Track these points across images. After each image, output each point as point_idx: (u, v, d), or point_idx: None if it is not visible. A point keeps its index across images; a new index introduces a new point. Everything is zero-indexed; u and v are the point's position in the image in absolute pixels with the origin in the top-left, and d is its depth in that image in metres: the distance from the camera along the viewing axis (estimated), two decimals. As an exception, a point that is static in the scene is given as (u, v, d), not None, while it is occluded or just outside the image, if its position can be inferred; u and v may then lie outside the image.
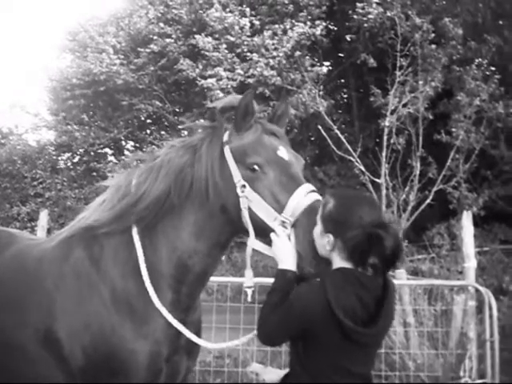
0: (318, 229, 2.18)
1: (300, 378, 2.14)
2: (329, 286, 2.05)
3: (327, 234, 2.14)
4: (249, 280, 2.41)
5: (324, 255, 2.20)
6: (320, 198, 2.28)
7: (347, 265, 2.14)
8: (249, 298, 2.41)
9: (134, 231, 2.47)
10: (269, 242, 2.28)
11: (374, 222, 2.11)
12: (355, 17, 12.85)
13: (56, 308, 2.41)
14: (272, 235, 2.24)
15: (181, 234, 2.43)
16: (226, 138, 2.43)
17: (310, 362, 2.10)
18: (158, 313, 2.38)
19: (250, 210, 2.29)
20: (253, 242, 2.32)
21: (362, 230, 2.07)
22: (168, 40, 15.26)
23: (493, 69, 12.55)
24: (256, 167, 2.32)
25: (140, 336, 2.33)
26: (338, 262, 2.16)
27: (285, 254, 2.20)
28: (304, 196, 2.23)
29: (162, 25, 15.71)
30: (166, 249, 2.44)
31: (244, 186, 2.30)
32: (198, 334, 2.59)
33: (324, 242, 2.15)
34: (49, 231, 7.32)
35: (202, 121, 2.76)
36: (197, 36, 14.23)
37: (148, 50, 15.67)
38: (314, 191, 2.28)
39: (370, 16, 12.54)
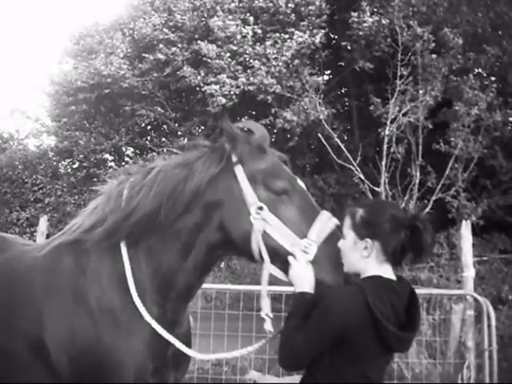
0: (350, 240, 2.20)
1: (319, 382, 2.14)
2: (367, 291, 2.06)
3: (364, 240, 2.16)
4: (266, 308, 2.33)
5: (353, 269, 2.21)
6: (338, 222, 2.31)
7: (382, 269, 2.17)
8: (269, 327, 2.30)
9: (123, 243, 2.46)
10: (281, 268, 2.26)
11: (409, 217, 2.18)
12: (354, 26, 12.95)
13: (44, 317, 2.41)
14: (291, 259, 2.21)
15: (168, 252, 2.41)
16: (235, 158, 2.38)
17: (333, 368, 2.11)
18: (145, 326, 2.36)
19: (264, 233, 2.26)
20: (269, 268, 2.28)
21: (402, 226, 2.14)
22: (174, 49, 15.34)
23: (492, 78, 12.61)
24: (283, 191, 2.31)
25: (127, 348, 2.32)
26: (372, 268, 2.17)
27: (303, 278, 2.19)
28: (327, 221, 2.26)
29: (166, 30, 15.80)
30: (152, 264, 2.43)
31: (261, 209, 2.28)
32: (187, 347, 2.56)
33: (359, 249, 2.17)
34: (48, 237, 7.31)
35: (202, 140, 2.68)
36: (200, 43, 14.31)
37: (152, 57, 15.73)
38: (331, 216, 2.31)
39: (365, 24, 12.64)
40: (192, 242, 2.40)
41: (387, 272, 2.18)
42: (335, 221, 2.29)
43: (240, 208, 2.31)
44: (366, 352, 2.09)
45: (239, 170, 2.36)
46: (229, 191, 2.35)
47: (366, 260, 2.17)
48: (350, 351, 2.07)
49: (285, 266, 2.25)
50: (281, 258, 2.25)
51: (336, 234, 2.24)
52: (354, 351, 2.07)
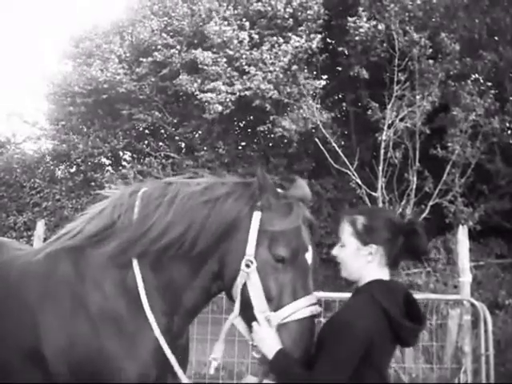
0: (352, 247, 2.25)
1: None
2: (379, 295, 2.11)
3: (368, 245, 2.22)
4: (218, 352, 2.39)
5: (354, 275, 2.28)
6: (320, 311, 2.27)
7: (382, 272, 2.24)
8: (211, 371, 2.38)
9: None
10: (247, 322, 2.29)
11: (407, 222, 2.28)
12: (350, 31, 13.00)
13: (40, 326, 2.37)
14: (254, 325, 2.22)
15: (179, 270, 2.41)
16: (259, 204, 2.35)
17: (355, 375, 2.10)
18: (149, 335, 2.36)
19: (244, 285, 2.26)
20: (234, 319, 2.31)
21: (401, 230, 2.22)
22: (172, 50, 15.35)
23: (489, 84, 12.65)
24: (282, 260, 2.26)
25: (131, 357, 2.31)
26: (374, 272, 2.23)
27: (265, 344, 2.18)
28: (304, 307, 2.21)
29: (164, 35, 15.82)
30: (163, 278, 2.42)
31: (251, 262, 2.26)
32: (185, 357, 2.62)
33: (363, 255, 2.23)
34: (45, 241, 7.30)
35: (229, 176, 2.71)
36: (195, 51, 14.32)
37: (150, 60, 15.73)
38: (315, 304, 2.26)
39: (361, 30, 12.68)
40: (201, 267, 2.41)
41: (386, 275, 2.25)
42: (316, 309, 2.25)
43: (239, 250, 2.31)
44: (383, 352, 2.13)
45: (256, 218, 2.32)
46: (241, 229, 2.34)
47: (368, 265, 2.22)
48: (371, 356, 2.08)
49: (250, 324, 2.27)
50: (248, 315, 2.26)
51: (307, 324, 2.19)
52: (375, 355, 2.09)
